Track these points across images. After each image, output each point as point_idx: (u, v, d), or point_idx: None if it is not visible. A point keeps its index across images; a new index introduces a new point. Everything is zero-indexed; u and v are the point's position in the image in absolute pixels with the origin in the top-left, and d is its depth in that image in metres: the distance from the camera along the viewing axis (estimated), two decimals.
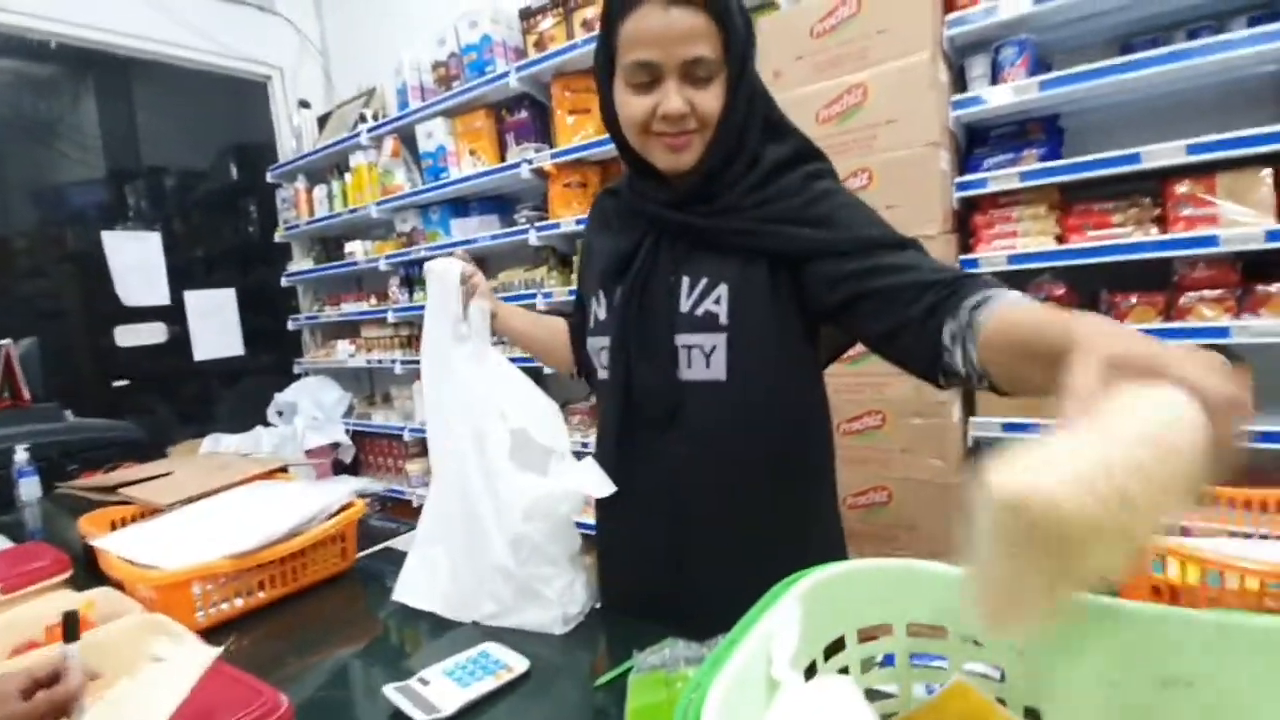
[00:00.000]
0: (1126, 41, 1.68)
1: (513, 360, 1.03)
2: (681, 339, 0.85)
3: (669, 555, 0.92)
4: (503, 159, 2.64)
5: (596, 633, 0.94)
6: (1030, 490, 0.35)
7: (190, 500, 1.37)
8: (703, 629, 0.75)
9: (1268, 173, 1.42)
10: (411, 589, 1.06)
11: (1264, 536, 1.04)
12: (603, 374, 0.95)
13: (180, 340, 3.33)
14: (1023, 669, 0.53)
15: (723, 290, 0.84)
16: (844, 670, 0.54)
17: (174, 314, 3.30)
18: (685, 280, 0.86)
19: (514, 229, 2.59)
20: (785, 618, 0.47)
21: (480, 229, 2.78)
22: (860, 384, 1.74)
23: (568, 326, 1.19)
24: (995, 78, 1.70)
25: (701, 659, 0.81)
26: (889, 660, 0.59)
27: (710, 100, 0.78)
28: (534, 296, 2.44)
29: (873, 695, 0.56)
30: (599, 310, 0.95)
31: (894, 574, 0.57)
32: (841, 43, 1.70)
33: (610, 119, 0.86)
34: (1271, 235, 1.37)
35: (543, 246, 2.55)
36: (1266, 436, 1.42)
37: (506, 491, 0.93)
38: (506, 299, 2.60)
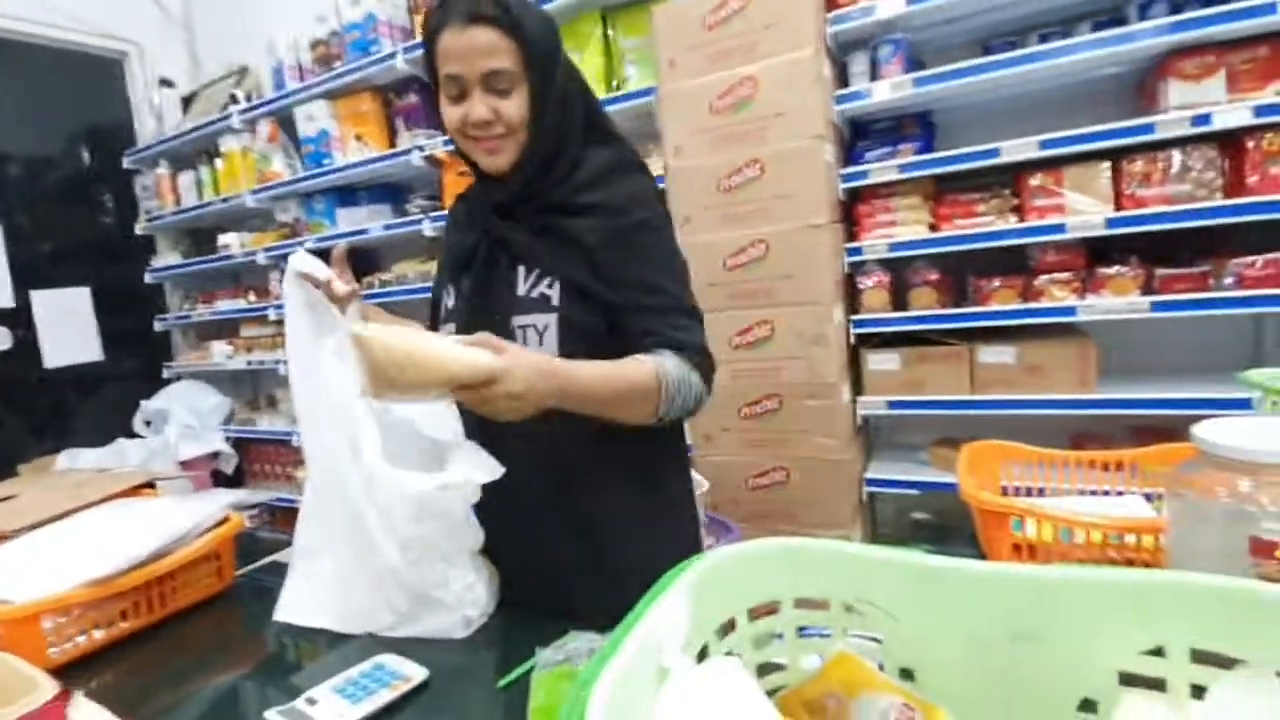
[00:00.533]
0: (986, 43, 1.81)
1: None
2: (517, 320, 0.93)
3: (542, 533, 0.97)
4: (393, 145, 2.52)
5: (497, 633, 0.93)
6: (364, 333, 0.73)
7: (39, 524, 1.22)
8: (593, 608, 0.81)
9: (1107, 166, 1.58)
10: (295, 607, 1.00)
11: (1108, 492, 1.16)
12: None
13: (28, 345, 2.97)
14: (898, 633, 0.56)
15: (554, 277, 0.93)
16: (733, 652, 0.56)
17: (19, 317, 2.94)
18: (521, 269, 0.94)
19: (406, 219, 2.48)
20: (674, 606, 0.48)
21: (370, 219, 2.64)
22: (759, 369, 1.80)
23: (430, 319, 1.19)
24: (875, 74, 1.79)
25: None
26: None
27: (513, 107, 0.88)
28: (429, 290, 2.35)
29: (768, 669, 0.58)
30: (448, 300, 1.03)
31: (778, 553, 0.59)
32: (732, 35, 1.73)
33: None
34: (1111, 223, 1.53)
35: (437, 237, 2.46)
36: (1108, 403, 1.59)
37: (387, 493, 0.88)
38: (400, 292, 2.49)
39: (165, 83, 3.30)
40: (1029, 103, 1.83)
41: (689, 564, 0.54)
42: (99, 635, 0.97)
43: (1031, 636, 0.51)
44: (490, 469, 0.88)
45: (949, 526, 1.85)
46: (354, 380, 0.88)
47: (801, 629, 0.60)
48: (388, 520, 0.89)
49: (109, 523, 1.20)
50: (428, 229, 2.37)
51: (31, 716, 0.72)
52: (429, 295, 1.22)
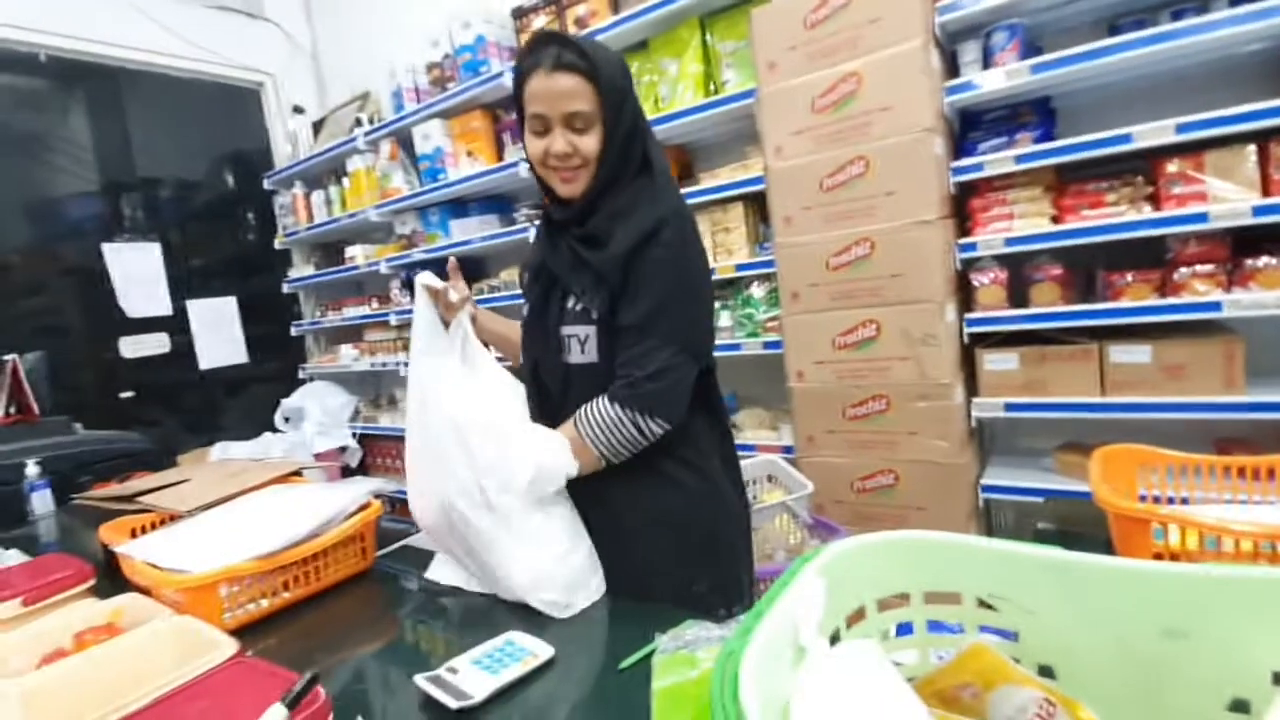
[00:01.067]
0: (1113, 23, 1.70)
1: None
2: (565, 329, 1.08)
3: (602, 525, 1.07)
4: (500, 159, 2.66)
5: (615, 619, 0.97)
6: None
7: (209, 506, 1.39)
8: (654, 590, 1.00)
9: (1252, 149, 1.44)
10: (440, 572, 1.15)
11: (1258, 502, 1.06)
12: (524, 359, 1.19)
13: (184, 350, 3.34)
14: (1036, 629, 0.55)
15: (597, 293, 1.04)
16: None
17: (177, 324, 3.32)
18: (570, 282, 1.07)
19: (513, 228, 2.60)
20: (809, 588, 0.50)
21: (480, 229, 2.80)
22: (865, 369, 1.77)
23: None
24: (987, 62, 1.71)
25: (725, 639, 0.84)
26: (905, 630, 0.62)
27: (589, 143, 1.01)
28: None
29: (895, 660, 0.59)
30: (525, 309, 1.19)
31: (906, 545, 0.59)
32: (833, 32, 1.72)
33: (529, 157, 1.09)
34: (1259, 210, 1.40)
35: (532, 249, 2.56)
36: (1258, 406, 1.45)
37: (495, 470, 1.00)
38: (509, 297, 2.62)
39: (297, 110, 3.63)
40: (1161, 84, 1.70)
41: (819, 550, 0.56)
42: (264, 604, 1.10)
43: (1183, 634, 0.50)
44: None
45: (1077, 534, 1.73)
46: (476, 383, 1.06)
47: (931, 624, 0.61)
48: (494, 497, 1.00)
49: (269, 506, 1.34)
50: (533, 236, 2.48)
51: (218, 669, 0.83)
52: None
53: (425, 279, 1.09)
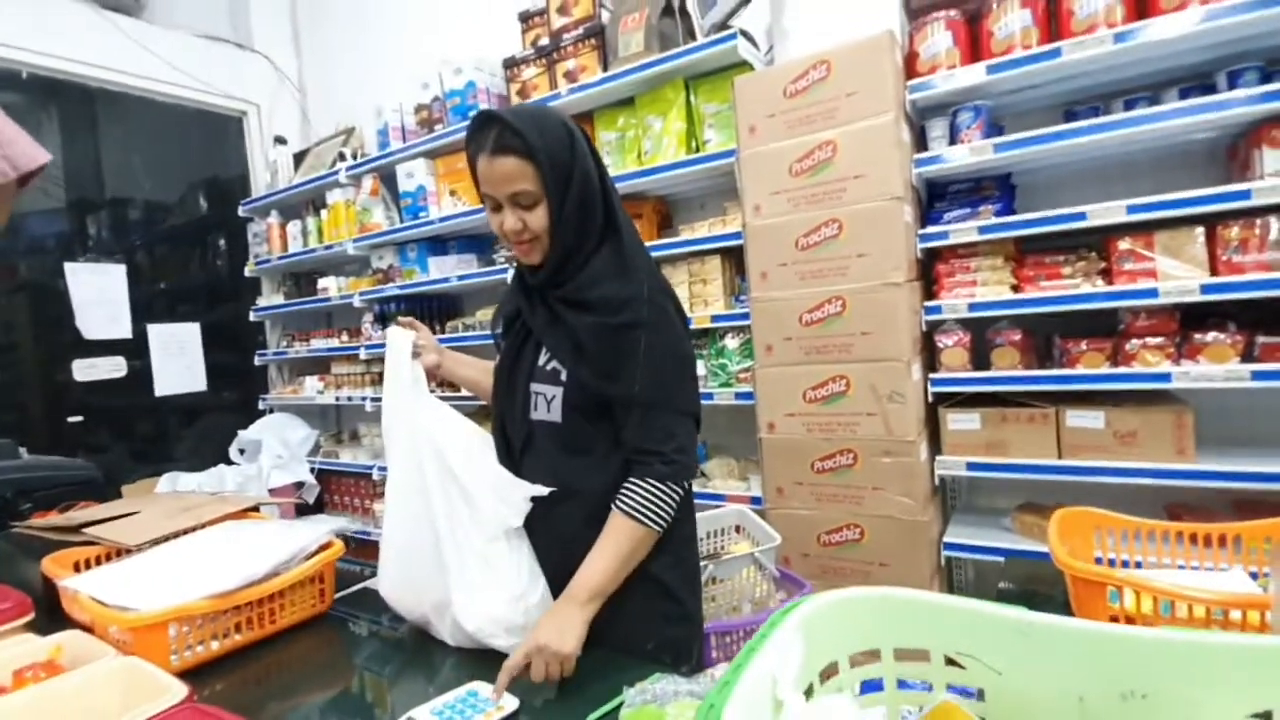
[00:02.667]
0: (1070, 108, 1.83)
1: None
2: (534, 386, 1.11)
3: (556, 573, 1.08)
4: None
5: (585, 671, 0.95)
6: None
7: (160, 540, 1.33)
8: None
9: (1200, 231, 1.55)
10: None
11: (1209, 569, 1.11)
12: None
13: (140, 375, 3.24)
14: (1001, 688, 0.57)
15: (564, 355, 1.08)
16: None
17: (135, 348, 3.22)
18: (544, 344, 1.11)
19: (491, 269, 2.62)
20: (787, 643, 0.51)
21: (458, 267, 2.81)
22: (834, 423, 1.80)
23: None
24: (953, 138, 1.82)
25: (693, 693, 0.83)
26: (873, 686, 0.62)
27: (536, 220, 1.04)
28: None
29: None
30: (498, 356, 1.22)
31: (879, 602, 0.61)
32: (812, 102, 1.81)
33: None
34: (1206, 289, 1.49)
35: (506, 296, 2.58)
36: (1208, 475, 1.52)
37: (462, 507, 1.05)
38: (483, 336, 2.62)
39: (279, 140, 3.63)
40: (1113, 165, 1.82)
41: (796, 605, 0.57)
42: (215, 646, 1.05)
43: (1141, 696, 0.51)
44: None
45: (1036, 594, 1.77)
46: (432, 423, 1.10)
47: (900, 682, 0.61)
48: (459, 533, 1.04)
49: (225, 542, 1.29)
50: (511, 277, 2.50)
51: (167, 713, 0.79)
52: None
53: (408, 332, 1.21)
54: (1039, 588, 1.82)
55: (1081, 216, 1.58)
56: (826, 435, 1.82)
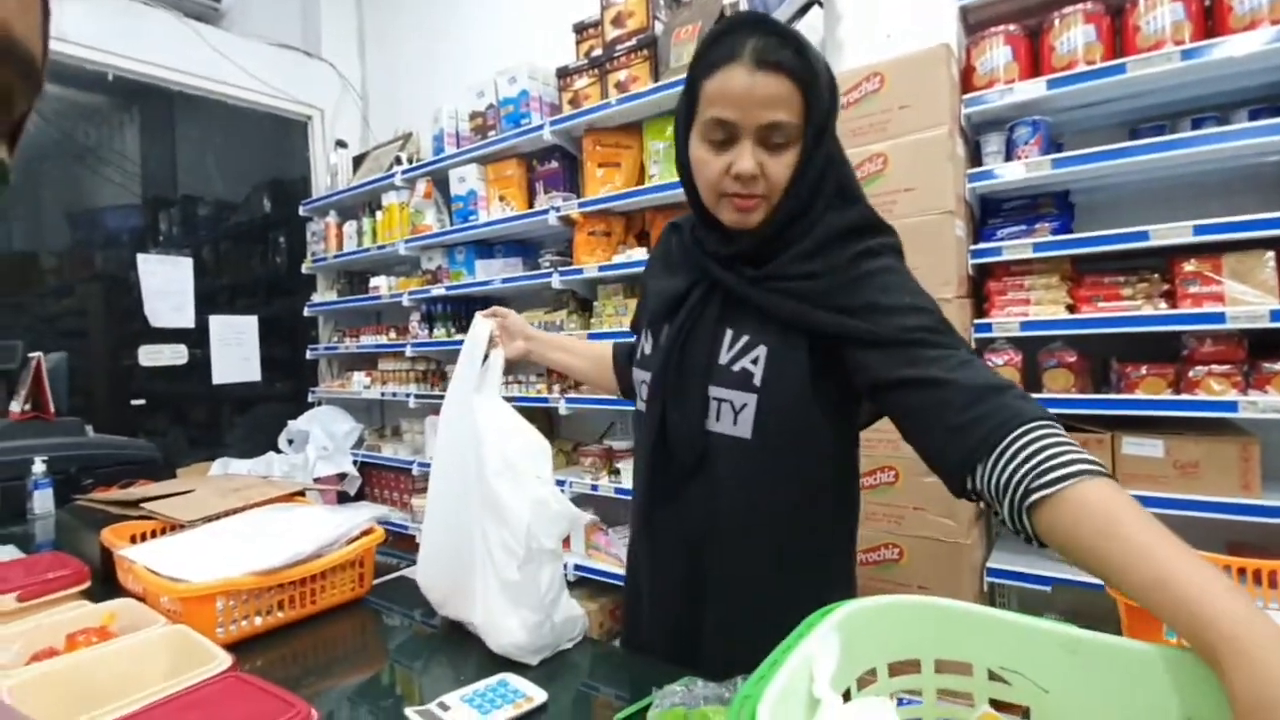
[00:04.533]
0: (1135, 127, 1.77)
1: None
2: (714, 390, 0.87)
3: (686, 594, 0.94)
4: (531, 205, 2.74)
5: (614, 670, 0.95)
6: None
7: (212, 518, 1.39)
8: (714, 670, 0.78)
9: (1270, 255, 1.48)
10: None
11: (1272, 609, 1.04)
12: (641, 407, 0.99)
13: (200, 363, 3.38)
14: (1047, 707, 0.55)
15: (761, 351, 0.85)
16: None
17: (197, 338, 3.37)
18: (729, 333, 0.87)
19: (537, 272, 2.66)
20: (825, 641, 0.50)
21: (504, 270, 2.86)
22: (876, 439, 1.77)
23: (614, 351, 1.25)
24: (1009, 154, 1.78)
25: (722, 698, 0.82)
26: (906, 700, 0.61)
27: (781, 168, 0.80)
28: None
29: None
30: (645, 345, 0.98)
31: (922, 610, 0.60)
32: (864, 115, 1.80)
33: (683, 164, 0.87)
34: (1276, 315, 1.42)
35: (564, 290, 2.62)
36: (1271, 511, 1.44)
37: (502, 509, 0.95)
38: None
39: (340, 144, 3.77)
40: (1179, 187, 1.75)
41: (835, 606, 0.56)
42: (259, 621, 1.09)
43: None
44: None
45: (1086, 626, 1.69)
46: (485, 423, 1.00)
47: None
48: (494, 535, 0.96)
49: (272, 522, 1.34)
50: (556, 281, 2.54)
51: (211, 681, 0.82)
52: None
53: (492, 322, 1.12)
54: (1089, 622, 1.74)
55: (1145, 236, 1.53)
56: (867, 452, 1.78)
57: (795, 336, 0.84)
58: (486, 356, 1.08)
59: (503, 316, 1.16)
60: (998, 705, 0.58)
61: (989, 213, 1.90)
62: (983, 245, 1.74)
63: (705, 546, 0.91)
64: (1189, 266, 1.54)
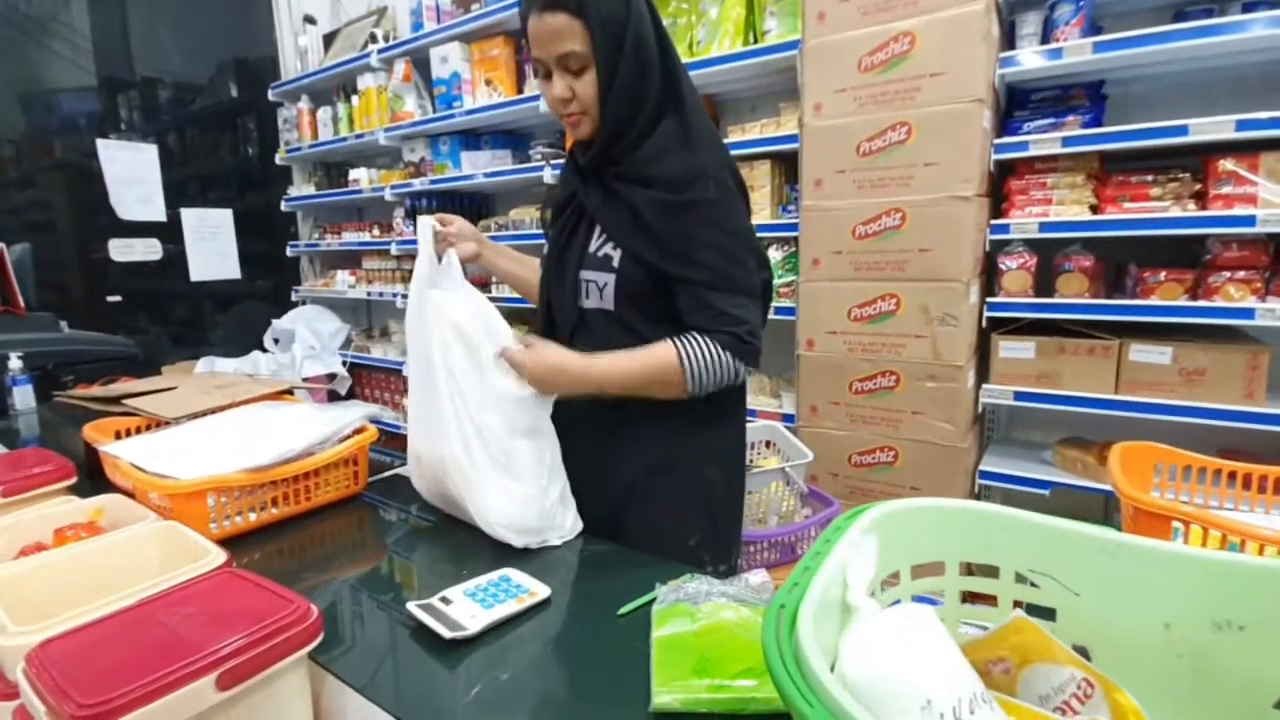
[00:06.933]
0: (1181, 9, 1.62)
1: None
2: (584, 274, 1.05)
3: (588, 448, 1.07)
4: (520, 91, 2.55)
5: (612, 566, 0.95)
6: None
7: (197, 415, 1.34)
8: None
9: None
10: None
11: (1272, 514, 1.05)
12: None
13: (175, 259, 3.25)
14: (1076, 610, 0.53)
15: (617, 241, 1.02)
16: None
17: (169, 232, 3.21)
18: (597, 228, 1.05)
19: (527, 165, 2.52)
20: (861, 546, 0.47)
21: (492, 163, 2.71)
22: (879, 343, 1.74)
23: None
24: (1047, 36, 1.64)
25: (726, 594, 0.82)
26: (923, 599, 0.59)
27: (586, 87, 0.96)
28: (543, 236, 2.39)
29: None
30: (546, 246, 1.17)
31: (953, 513, 0.57)
32: None
33: None
34: None
35: (555, 185, 2.49)
36: (1271, 418, 1.44)
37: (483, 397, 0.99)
38: (515, 237, 2.55)
39: (309, 19, 3.46)
40: (1220, 80, 1.64)
41: (863, 509, 0.53)
42: (253, 517, 1.06)
43: (1239, 628, 0.47)
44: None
45: None
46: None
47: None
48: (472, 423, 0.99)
49: (260, 420, 1.30)
50: (548, 176, 2.40)
51: (206, 577, 0.80)
52: (541, 241, 1.34)
53: (432, 219, 1.14)
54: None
55: (1183, 130, 1.43)
56: (869, 356, 1.76)
57: (637, 234, 1.00)
58: (442, 257, 1.11)
59: (449, 221, 1.20)
60: (1021, 607, 0.56)
61: (1015, 104, 1.78)
62: (1008, 139, 1.64)
63: (598, 406, 1.04)
64: (1226, 165, 1.45)
